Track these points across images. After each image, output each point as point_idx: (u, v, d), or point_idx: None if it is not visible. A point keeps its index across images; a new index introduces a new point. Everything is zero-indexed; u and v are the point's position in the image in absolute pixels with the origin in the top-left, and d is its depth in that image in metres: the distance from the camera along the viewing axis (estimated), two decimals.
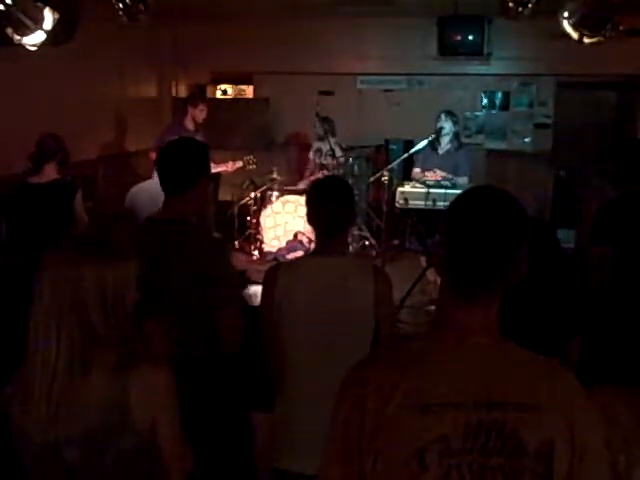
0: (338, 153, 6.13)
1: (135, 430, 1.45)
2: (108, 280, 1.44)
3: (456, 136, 5.55)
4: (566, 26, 4.35)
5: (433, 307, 4.78)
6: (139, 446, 1.46)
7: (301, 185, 6.32)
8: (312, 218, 2.23)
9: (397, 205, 5.20)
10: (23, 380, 1.45)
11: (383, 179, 5.48)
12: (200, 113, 5.80)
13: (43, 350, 1.42)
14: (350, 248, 5.82)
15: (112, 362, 1.46)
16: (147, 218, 2.37)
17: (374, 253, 6.03)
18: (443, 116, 5.47)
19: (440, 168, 5.39)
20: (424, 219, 4.98)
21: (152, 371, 1.50)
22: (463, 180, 5.30)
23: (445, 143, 5.51)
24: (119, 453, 1.45)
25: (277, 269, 2.21)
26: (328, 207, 2.17)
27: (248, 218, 6.27)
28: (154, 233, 2.27)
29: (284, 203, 5.98)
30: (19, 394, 1.46)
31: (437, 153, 5.55)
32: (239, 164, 6.07)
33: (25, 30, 3.46)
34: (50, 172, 3.83)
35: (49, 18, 3.54)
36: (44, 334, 1.42)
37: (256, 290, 3.34)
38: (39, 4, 3.49)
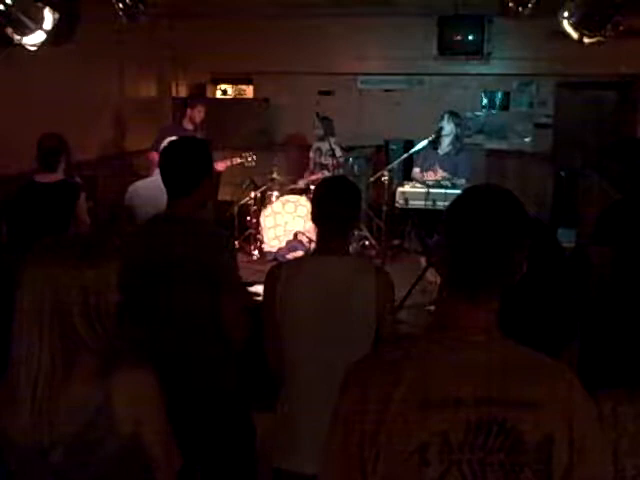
0: (338, 153, 6.14)
1: (120, 433, 1.44)
2: (89, 282, 1.43)
3: (457, 139, 5.52)
4: (566, 26, 4.35)
5: (433, 307, 4.80)
6: (125, 449, 1.46)
7: (301, 183, 6.32)
8: (316, 217, 2.23)
9: (397, 205, 5.21)
10: (7, 384, 1.44)
11: (383, 179, 5.48)
12: (198, 114, 5.81)
13: (26, 354, 1.41)
14: (350, 248, 5.80)
15: (95, 366, 1.45)
16: (153, 216, 2.38)
17: (374, 253, 6.03)
18: (446, 117, 5.45)
19: (440, 167, 5.38)
20: (424, 219, 4.98)
21: (135, 374, 1.49)
22: (461, 182, 5.30)
23: (446, 144, 5.49)
24: (105, 456, 1.44)
25: (279, 269, 2.20)
26: (333, 207, 2.16)
27: (248, 218, 6.27)
28: (160, 231, 2.28)
29: (284, 203, 5.98)
30: (4, 398, 1.45)
31: (437, 153, 5.54)
32: (237, 161, 6.06)
33: (25, 30, 3.46)
34: (58, 171, 3.84)
35: (49, 18, 3.54)
36: (27, 338, 1.41)
37: (258, 290, 3.33)
38: (39, 4, 3.49)
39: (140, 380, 1.49)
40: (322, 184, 2.37)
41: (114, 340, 1.48)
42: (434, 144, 5.49)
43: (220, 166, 5.97)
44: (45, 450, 1.42)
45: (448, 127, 5.44)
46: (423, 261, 5.22)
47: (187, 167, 2.28)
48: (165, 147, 2.39)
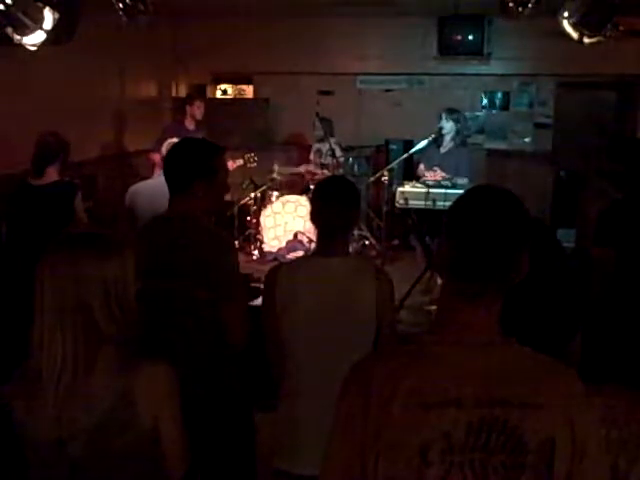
0: (338, 153, 6.14)
1: (139, 428, 1.46)
2: (109, 276, 1.45)
3: (458, 133, 5.51)
4: (566, 26, 4.35)
5: (433, 307, 4.79)
6: (142, 443, 1.47)
7: (301, 168, 6.34)
8: (315, 217, 2.22)
9: (397, 205, 5.20)
10: (27, 378, 1.46)
11: (383, 179, 5.48)
12: (197, 110, 5.82)
13: (48, 349, 1.42)
14: (350, 248, 5.81)
15: (117, 360, 1.46)
16: (154, 216, 2.39)
17: (374, 253, 6.04)
18: (444, 115, 5.44)
19: (441, 167, 5.37)
20: (424, 219, 4.98)
21: (156, 369, 1.50)
22: (463, 181, 5.29)
23: (447, 142, 5.49)
24: (122, 450, 1.45)
25: (278, 269, 2.20)
26: (332, 207, 2.16)
27: (248, 218, 6.27)
28: (160, 230, 2.29)
29: (284, 203, 5.99)
30: (23, 392, 1.46)
31: (439, 152, 5.54)
32: (240, 162, 6.06)
33: (25, 30, 3.45)
34: (52, 174, 3.81)
35: (49, 18, 3.54)
36: (48, 333, 1.42)
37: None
38: (39, 4, 3.49)
39: (161, 375, 1.50)
40: (321, 184, 2.37)
41: (135, 332, 1.49)
42: (436, 143, 5.48)
43: (230, 165, 5.95)
44: (64, 441, 1.43)
45: (448, 125, 5.43)
46: (422, 260, 5.23)
47: (182, 164, 2.32)
48: (172, 145, 2.45)
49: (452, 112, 5.49)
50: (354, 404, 1.17)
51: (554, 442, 1.12)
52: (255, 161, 6.16)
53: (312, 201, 2.28)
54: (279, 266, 2.26)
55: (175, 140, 3.90)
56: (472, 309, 1.19)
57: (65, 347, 1.41)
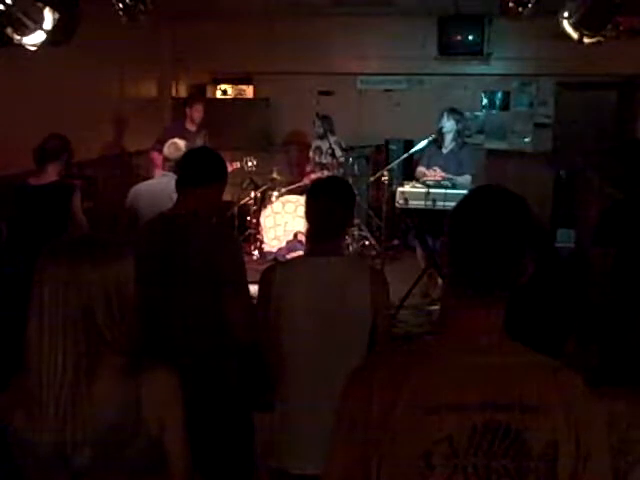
0: (338, 153, 6.13)
1: (145, 433, 1.43)
2: (109, 279, 1.42)
3: (459, 134, 5.51)
4: (566, 26, 4.34)
5: (433, 307, 4.80)
6: (148, 449, 1.44)
7: (306, 180, 6.33)
8: (310, 217, 2.23)
9: (397, 205, 5.20)
10: (26, 390, 1.41)
11: (383, 179, 5.48)
12: (196, 113, 5.83)
13: (48, 358, 1.38)
14: (350, 248, 5.83)
15: (121, 365, 1.43)
16: (160, 213, 2.41)
17: (374, 253, 6.04)
18: (445, 115, 5.44)
19: (444, 166, 5.36)
20: (424, 219, 4.98)
21: (162, 373, 1.48)
22: (466, 178, 5.28)
23: (448, 142, 5.48)
24: (131, 459, 1.42)
25: (273, 269, 2.21)
26: (327, 207, 2.16)
27: (248, 218, 6.28)
28: (166, 227, 2.31)
29: (284, 203, 5.99)
30: (22, 404, 1.41)
31: (441, 152, 5.53)
32: (236, 165, 6.05)
33: (25, 30, 3.45)
34: (52, 173, 3.81)
35: (49, 18, 3.54)
36: (48, 341, 1.38)
37: (254, 290, 3.35)
38: (39, 4, 3.49)
39: (167, 381, 1.48)
40: (315, 184, 2.38)
41: (136, 335, 1.47)
42: (437, 143, 5.48)
43: (228, 168, 5.95)
44: (67, 453, 1.39)
45: (448, 124, 5.43)
46: (423, 261, 5.23)
47: (207, 161, 2.43)
48: (189, 150, 2.64)
49: (454, 112, 5.48)
50: (356, 407, 1.17)
51: (557, 445, 1.11)
52: (254, 165, 6.15)
53: (307, 201, 2.28)
54: (274, 266, 2.27)
55: (177, 140, 3.93)
56: (476, 312, 1.18)
57: (66, 354, 1.37)
